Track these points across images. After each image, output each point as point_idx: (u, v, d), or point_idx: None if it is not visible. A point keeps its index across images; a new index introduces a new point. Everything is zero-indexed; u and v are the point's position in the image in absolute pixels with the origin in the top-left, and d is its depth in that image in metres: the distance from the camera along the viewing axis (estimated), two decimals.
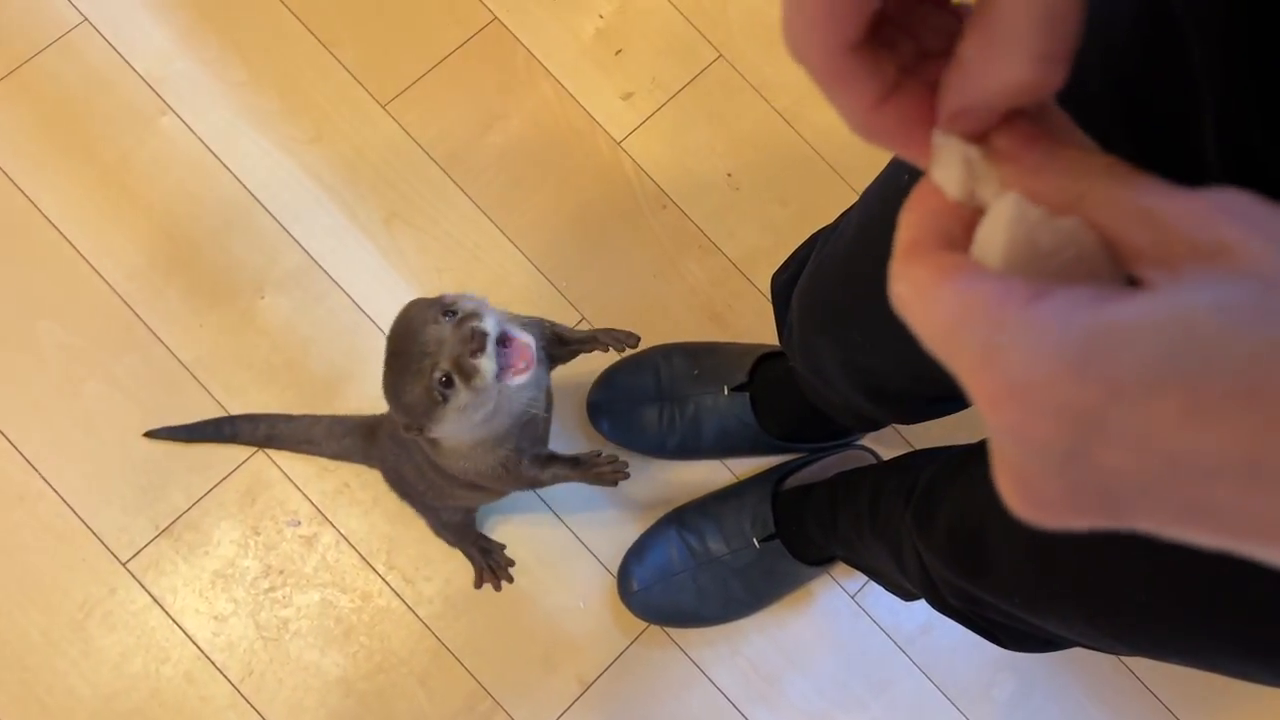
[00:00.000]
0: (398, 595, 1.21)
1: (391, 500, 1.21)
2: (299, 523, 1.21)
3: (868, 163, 1.34)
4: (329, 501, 1.22)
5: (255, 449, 1.22)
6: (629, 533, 1.23)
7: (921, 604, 1.24)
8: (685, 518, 1.21)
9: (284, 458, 1.22)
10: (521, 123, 1.33)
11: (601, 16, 1.37)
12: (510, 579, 1.22)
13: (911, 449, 1.28)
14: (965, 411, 0.96)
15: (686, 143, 1.34)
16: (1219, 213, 0.23)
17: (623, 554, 1.22)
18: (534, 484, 1.00)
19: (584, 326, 1.28)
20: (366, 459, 1.19)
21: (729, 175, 1.34)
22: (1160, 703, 1.26)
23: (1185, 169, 0.46)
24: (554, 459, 0.99)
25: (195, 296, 1.26)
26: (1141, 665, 1.26)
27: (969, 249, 0.28)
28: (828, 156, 1.35)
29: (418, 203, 1.30)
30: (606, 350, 1.02)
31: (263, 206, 1.28)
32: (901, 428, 1.29)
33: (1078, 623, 0.66)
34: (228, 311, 1.26)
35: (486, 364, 0.82)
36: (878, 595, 1.25)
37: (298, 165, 1.30)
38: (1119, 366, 0.22)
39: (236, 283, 1.26)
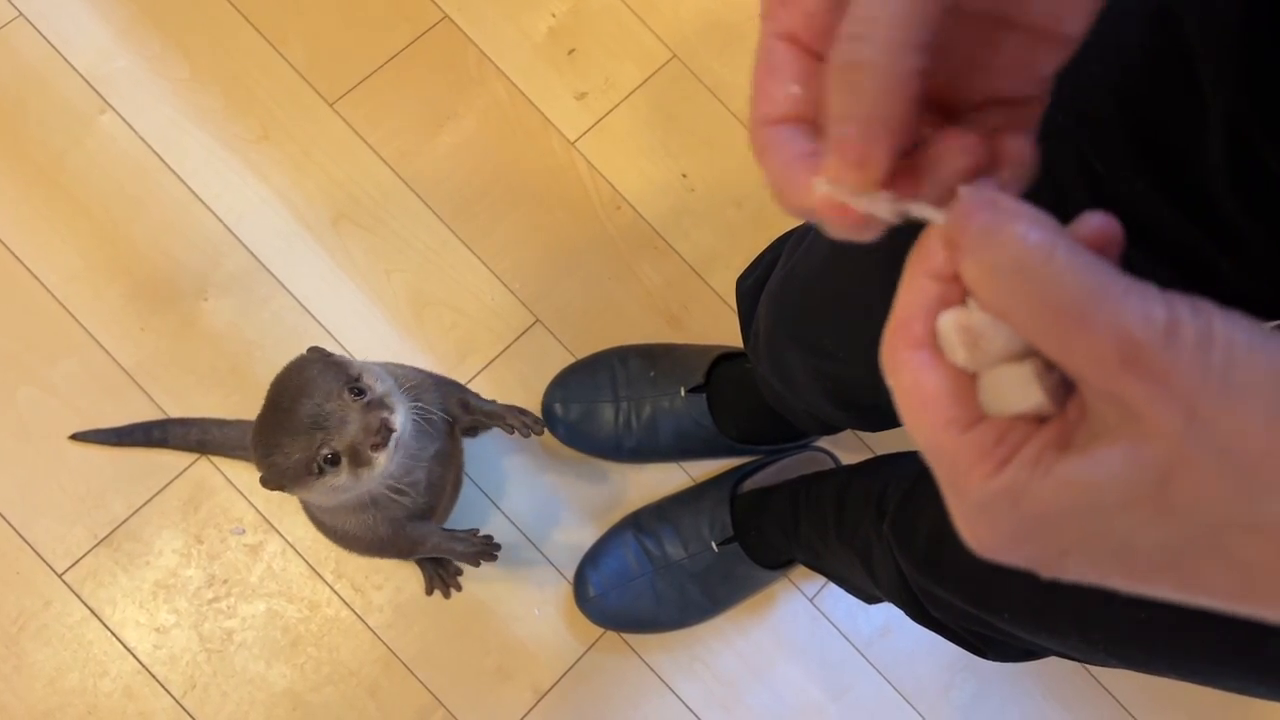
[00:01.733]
0: (347, 604, 1.18)
1: None
2: (244, 531, 1.18)
3: None
4: (275, 509, 1.18)
5: (198, 455, 1.18)
6: (585, 537, 1.21)
7: (880, 607, 1.23)
8: (642, 522, 1.19)
9: (228, 464, 1.18)
10: (473, 122, 1.31)
11: (554, 15, 1.35)
12: (459, 587, 1.19)
13: (870, 452, 1.28)
14: None
15: (641, 143, 1.33)
16: (1126, 371, 0.25)
17: (578, 559, 1.20)
18: (409, 554, 0.99)
19: (535, 328, 1.26)
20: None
21: (684, 176, 1.33)
22: (1118, 703, 1.26)
23: (1195, 190, 0.46)
24: (431, 532, 0.98)
25: (136, 299, 1.22)
26: (1100, 667, 1.26)
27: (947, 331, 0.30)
28: None
29: (366, 203, 1.27)
30: (511, 433, 1.01)
31: (206, 207, 1.25)
32: (860, 431, 1.28)
33: (1071, 637, 0.65)
34: (170, 315, 1.22)
35: (383, 460, 0.79)
36: (836, 598, 1.24)
37: (243, 164, 1.26)
38: (1060, 540, 0.27)
39: (179, 285, 1.23)
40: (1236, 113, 0.41)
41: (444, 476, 0.98)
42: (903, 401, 0.30)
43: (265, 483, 0.82)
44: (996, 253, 0.27)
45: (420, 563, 1.17)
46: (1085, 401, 0.27)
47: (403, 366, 0.98)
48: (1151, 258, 0.48)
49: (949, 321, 0.29)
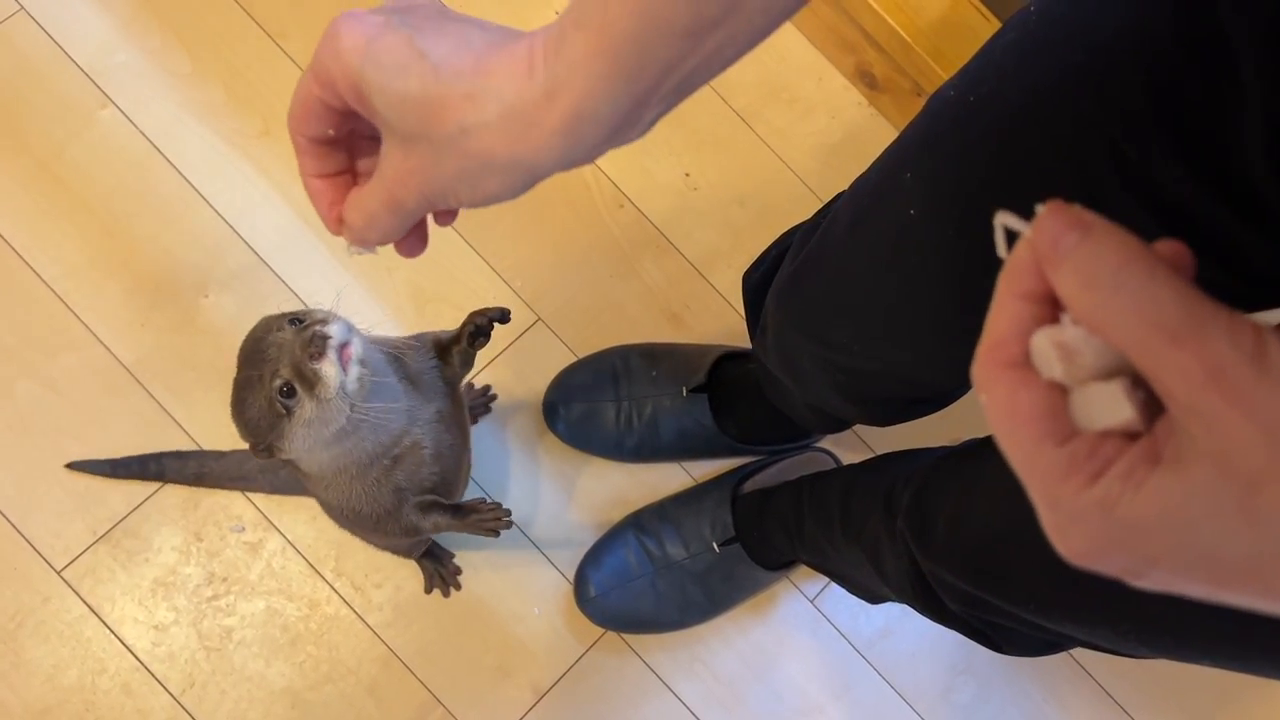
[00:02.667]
0: (346, 603, 1.17)
1: None
2: (243, 528, 1.17)
3: (826, 164, 1.34)
4: (274, 507, 1.18)
5: (198, 451, 1.18)
6: (585, 537, 1.21)
7: (881, 609, 1.23)
8: (643, 522, 1.18)
9: None
10: None
11: (558, 14, 1.34)
12: (458, 586, 1.19)
13: (871, 452, 1.27)
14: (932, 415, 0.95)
15: (644, 142, 1.31)
16: (1212, 389, 0.26)
17: (579, 559, 1.19)
18: (414, 531, 0.93)
19: (537, 326, 1.26)
20: (308, 489, 1.11)
21: (687, 175, 1.32)
22: (1116, 704, 1.26)
23: (1231, 176, 0.46)
24: (435, 505, 0.92)
25: (136, 295, 1.21)
26: (1099, 668, 1.26)
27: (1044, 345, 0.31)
28: (786, 157, 1.34)
29: None
30: (478, 334, 0.93)
31: (207, 202, 1.24)
32: (861, 430, 1.28)
33: (1099, 627, 0.65)
34: (170, 310, 1.21)
35: (328, 369, 0.76)
36: (837, 600, 1.24)
37: (244, 160, 1.26)
38: (1150, 549, 0.28)
39: (179, 281, 1.22)
40: (1277, 97, 0.42)
41: (453, 446, 0.94)
42: (996, 416, 0.31)
43: (255, 450, 0.81)
44: (1098, 266, 0.28)
45: (420, 560, 1.17)
46: (1173, 418, 0.28)
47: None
48: (1175, 233, 0.49)
49: (1044, 338, 0.31)
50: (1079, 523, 0.29)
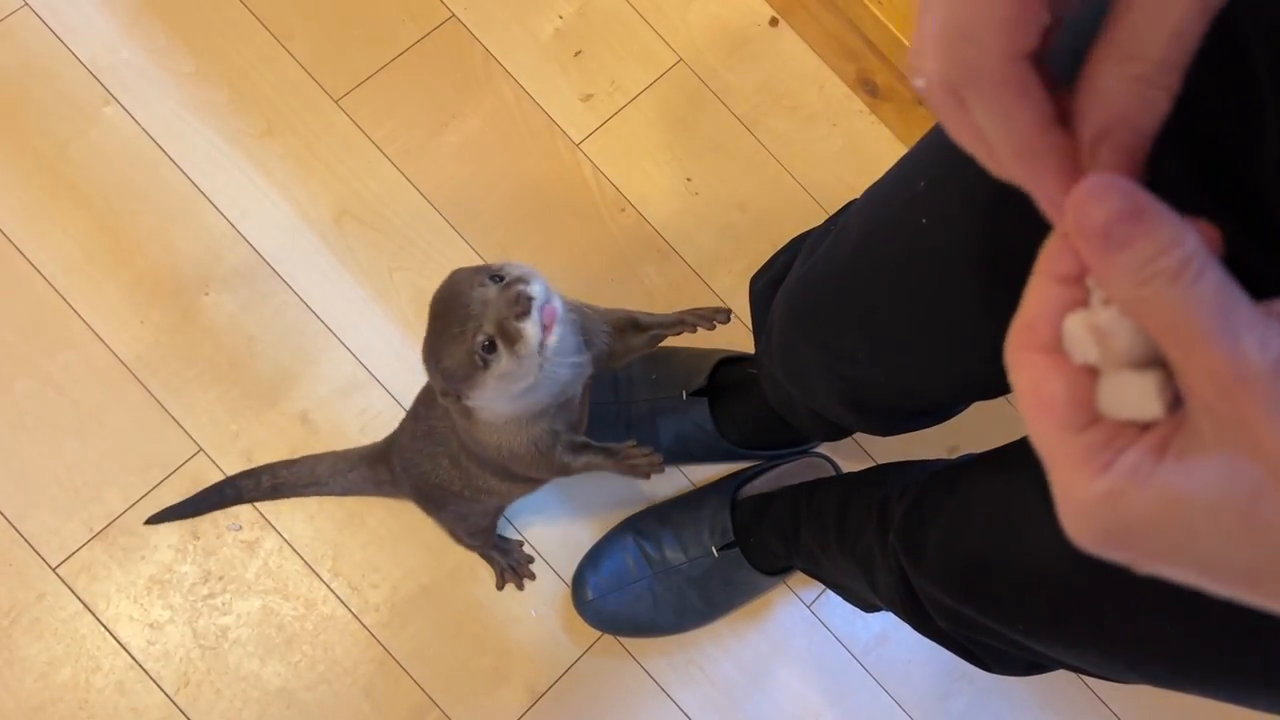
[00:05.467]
0: (343, 603, 1.17)
1: (337, 505, 1.18)
2: (240, 527, 1.17)
3: (827, 172, 1.34)
4: (272, 505, 1.18)
5: (197, 450, 1.17)
6: (583, 540, 1.20)
7: (878, 615, 1.23)
8: (642, 525, 1.18)
9: (226, 459, 1.17)
10: (478, 122, 1.31)
11: (561, 17, 1.35)
12: (532, 576, 1.19)
13: (870, 459, 1.27)
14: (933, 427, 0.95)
15: (646, 146, 1.33)
16: (1235, 391, 0.26)
17: (577, 562, 1.19)
18: (564, 471, 0.96)
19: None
20: (379, 487, 1.14)
21: (688, 180, 1.33)
22: (1114, 715, 1.26)
23: (1239, 187, 0.45)
24: (588, 446, 0.95)
25: (136, 293, 1.21)
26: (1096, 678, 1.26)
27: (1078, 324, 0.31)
28: (787, 164, 1.35)
29: (370, 201, 1.27)
30: (694, 331, 0.98)
31: (208, 201, 1.24)
32: (860, 438, 1.28)
33: (1088, 651, 0.65)
34: (170, 308, 1.21)
35: (530, 329, 0.79)
36: (834, 605, 1.24)
37: (246, 159, 1.26)
38: (1150, 547, 0.29)
39: (180, 279, 1.22)
40: None
41: (582, 411, 0.98)
42: (1022, 400, 0.32)
43: (444, 394, 0.84)
44: (1149, 260, 0.28)
45: (489, 558, 1.17)
46: (1189, 412, 0.28)
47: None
48: None
49: (1079, 322, 0.31)
50: (1086, 513, 0.30)
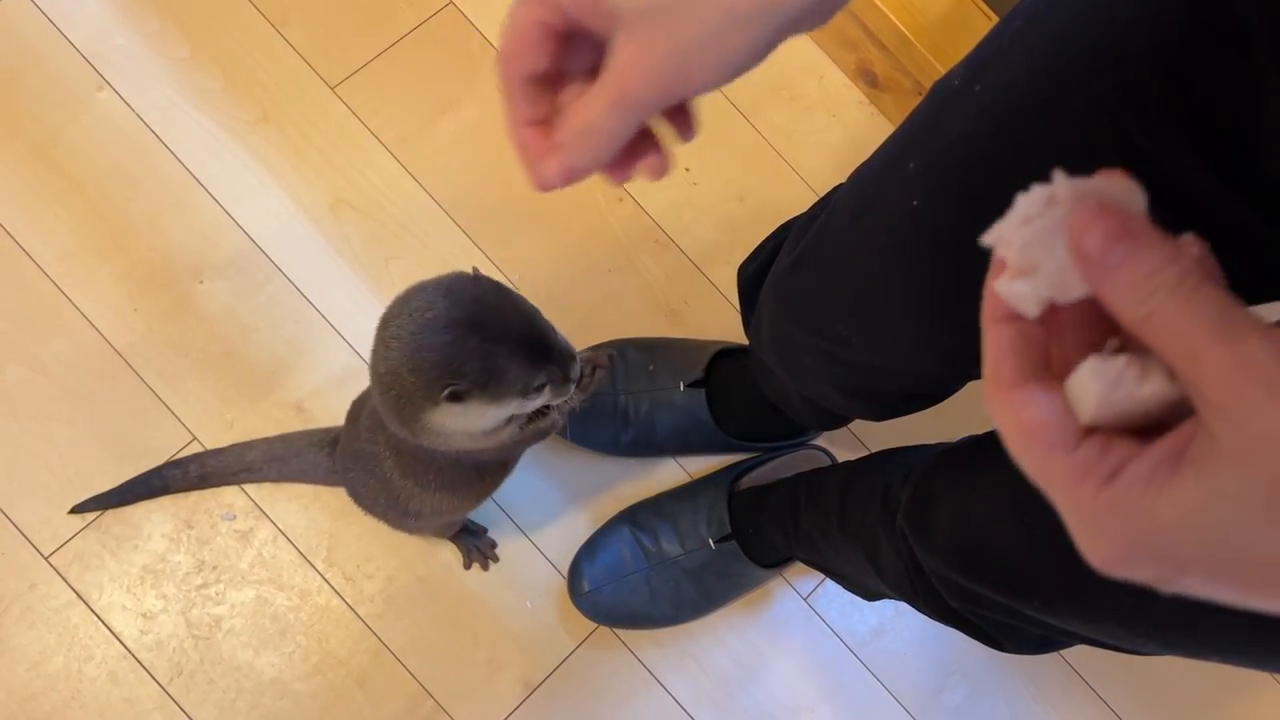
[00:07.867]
0: (337, 593, 1.16)
1: (333, 495, 1.17)
2: (234, 516, 1.16)
3: (826, 162, 1.34)
4: (266, 495, 1.17)
5: (191, 439, 1.16)
6: (579, 531, 1.20)
7: (874, 607, 1.23)
8: (639, 517, 1.18)
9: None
10: (476, 110, 1.30)
11: None
12: (496, 559, 1.18)
13: (867, 449, 1.27)
14: (927, 410, 0.95)
15: None
16: (1247, 387, 0.27)
17: (573, 553, 1.18)
18: (541, 434, 0.95)
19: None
20: (329, 476, 1.12)
21: (687, 170, 1.32)
22: (1108, 706, 1.26)
23: (1240, 158, 0.45)
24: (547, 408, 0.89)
25: (130, 280, 1.20)
26: (1090, 669, 1.26)
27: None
28: (786, 154, 1.34)
29: (365, 188, 1.26)
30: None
31: (203, 188, 1.23)
32: (857, 429, 1.27)
33: (1107, 623, 0.64)
34: (164, 296, 1.20)
35: (561, 403, 0.83)
36: (830, 598, 1.23)
37: (241, 146, 1.25)
38: (1178, 553, 0.28)
39: (174, 266, 1.21)
40: None
41: None
42: (1009, 438, 0.32)
43: (456, 396, 0.76)
44: (1146, 278, 0.29)
45: (456, 537, 1.16)
46: (1201, 419, 0.28)
47: None
48: (1186, 224, 0.48)
49: (1073, 381, 0.31)
50: (1102, 528, 0.30)
